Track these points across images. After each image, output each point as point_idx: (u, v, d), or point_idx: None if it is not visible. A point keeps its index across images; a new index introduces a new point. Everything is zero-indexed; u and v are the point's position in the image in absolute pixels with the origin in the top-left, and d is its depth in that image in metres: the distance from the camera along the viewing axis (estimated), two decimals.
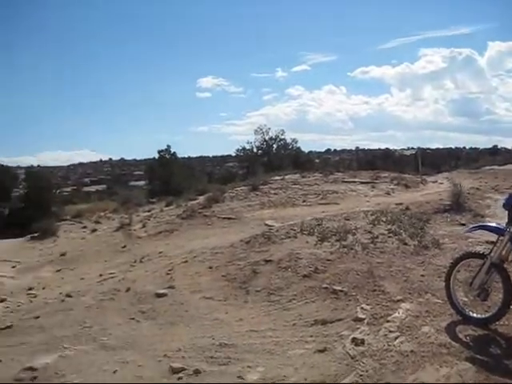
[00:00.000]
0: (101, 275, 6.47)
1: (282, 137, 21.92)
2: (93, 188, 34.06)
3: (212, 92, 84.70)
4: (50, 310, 4.93)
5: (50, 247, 9.38)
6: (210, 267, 5.17)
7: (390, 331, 3.01)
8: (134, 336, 3.82)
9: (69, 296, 5.42)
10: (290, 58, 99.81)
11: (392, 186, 9.92)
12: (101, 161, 60.32)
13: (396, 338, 2.93)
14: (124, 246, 8.28)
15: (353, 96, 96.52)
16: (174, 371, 3.01)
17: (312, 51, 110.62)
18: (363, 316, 3.32)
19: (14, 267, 7.94)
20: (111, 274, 6.42)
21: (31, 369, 3.26)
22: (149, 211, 11.01)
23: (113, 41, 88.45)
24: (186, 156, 38.11)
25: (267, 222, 7.00)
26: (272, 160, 19.83)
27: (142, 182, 25.76)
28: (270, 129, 21.87)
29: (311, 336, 3.22)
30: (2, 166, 13.25)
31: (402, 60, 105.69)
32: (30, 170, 15.58)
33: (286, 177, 11.51)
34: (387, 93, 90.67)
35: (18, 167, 15.03)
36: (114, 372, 3.16)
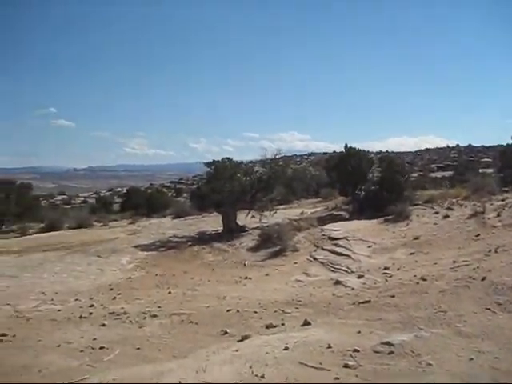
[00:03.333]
0: (454, 262, 7.75)
1: None
2: (439, 174, 38.52)
3: None
4: (406, 291, 6.49)
5: (402, 230, 11.69)
6: None
7: None
8: (491, 326, 4.50)
9: (423, 279, 6.94)
10: None
11: None
12: (447, 147, 70.28)
13: None
14: (478, 235, 9.66)
15: None
16: None
17: None
18: None
19: (369, 247, 10.61)
20: (465, 261, 7.59)
21: (388, 343, 4.36)
22: (502, 200, 12.31)
23: None
24: None
25: None
26: None
27: (490, 170, 28.34)
28: None
29: None
30: (360, 150, 17.19)
31: None
32: (382, 154, 18.99)
33: None
34: None
35: (368, 152, 18.93)
36: (470, 360, 3.99)
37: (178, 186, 63.21)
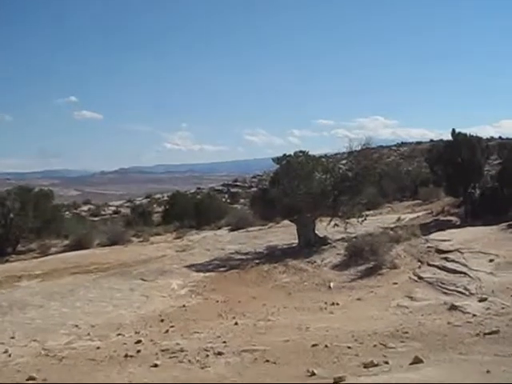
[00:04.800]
0: None
1: None
2: None
3: None
4: None
5: None
6: None
7: None
8: None
9: None
10: None
11: None
12: None
13: None
14: None
15: None
16: None
17: None
18: None
19: (491, 261, 10.47)
20: None
21: None
22: None
23: None
24: None
25: None
26: None
27: None
28: None
29: None
30: (472, 137, 16.77)
31: None
32: (495, 141, 18.21)
33: None
34: None
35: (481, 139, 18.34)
36: None
37: (232, 190, 64.38)
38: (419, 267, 11.27)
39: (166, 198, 48.22)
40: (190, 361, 6.82)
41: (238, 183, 76.11)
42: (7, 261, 18.37)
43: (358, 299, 9.90)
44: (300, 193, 14.54)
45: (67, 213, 39.73)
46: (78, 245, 19.77)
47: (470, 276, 9.83)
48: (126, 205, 57.94)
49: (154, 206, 48.27)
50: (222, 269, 13.64)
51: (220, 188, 71.98)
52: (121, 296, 11.66)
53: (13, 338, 8.74)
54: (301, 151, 15.77)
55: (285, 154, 15.56)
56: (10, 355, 7.73)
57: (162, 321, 9.50)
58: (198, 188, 73.47)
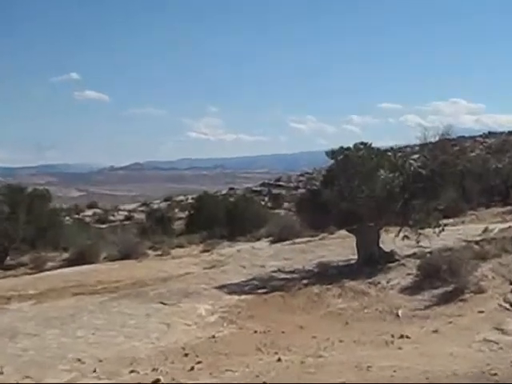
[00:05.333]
0: None
1: None
2: None
3: None
4: None
5: None
6: None
7: None
8: None
9: None
10: None
11: None
12: None
13: None
14: None
15: None
16: None
17: None
18: None
19: None
20: None
21: None
22: None
23: None
24: None
25: None
26: None
27: None
28: None
29: None
30: None
31: None
32: None
33: None
34: None
35: None
36: None
37: (274, 191, 64.53)
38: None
39: (190, 201, 48.72)
40: None
41: (280, 183, 76.38)
42: None
43: (434, 331, 9.80)
44: (361, 196, 14.48)
45: (67, 218, 40.33)
46: (81, 258, 20.09)
47: None
48: (141, 209, 58.77)
49: (176, 210, 48.89)
50: (261, 291, 13.71)
51: (258, 189, 72.36)
52: (134, 323, 11.77)
53: (1, 373, 8.83)
54: (362, 143, 15.70)
55: (342, 147, 15.52)
56: None
57: (186, 355, 9.55)
58: (231, 188, 74.07)
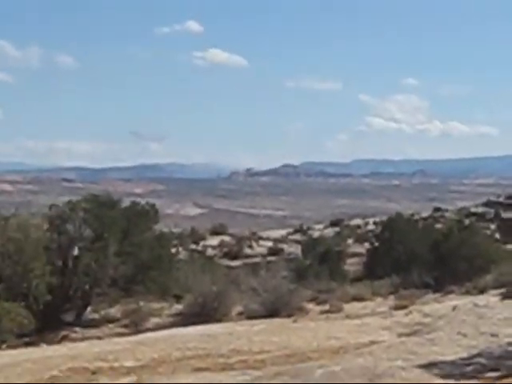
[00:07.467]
0: None
1: None
2: None
3: None
4: None
5: None
6: None
7: None
8: None
9: None
10: None
11: None
12: None
13: None
14: None
15: None
16: None
17: None
18: None
19: None
20: None
21: None
22: None
23: None
24: None
25: None
26: None
27: None
28: None
29: None
30: None
31: None
32: None
33: None
34: None
35: None
36: None
37: (506, 215, 63.63)
38: None
39: (372, 227, 48.55)
40: None
41: None
42: (65, 338, 19.24)
43: None
44: None
45: (180, 250, 41.33)
46: (203, 314, 20.45)
47: None
48: (294, 238, 59.36)
49: (349, 241, 48.95)
50: (492, 374, 13.38)
51: (480, 210, 71.38)
52: None
53: None
54: None
55: None
56: None
57: None
58: (437, 209, 73.42)
